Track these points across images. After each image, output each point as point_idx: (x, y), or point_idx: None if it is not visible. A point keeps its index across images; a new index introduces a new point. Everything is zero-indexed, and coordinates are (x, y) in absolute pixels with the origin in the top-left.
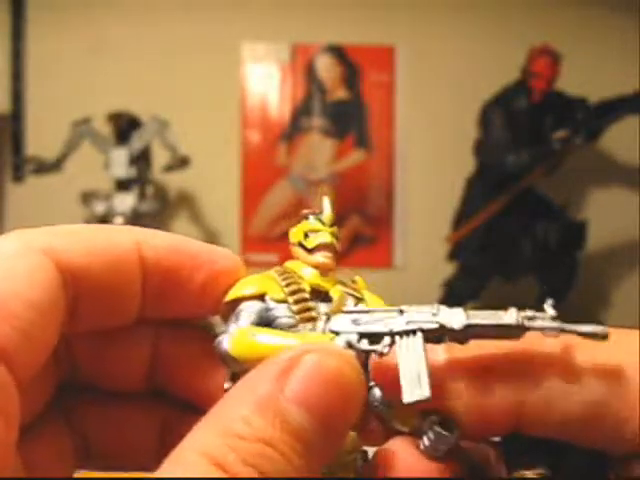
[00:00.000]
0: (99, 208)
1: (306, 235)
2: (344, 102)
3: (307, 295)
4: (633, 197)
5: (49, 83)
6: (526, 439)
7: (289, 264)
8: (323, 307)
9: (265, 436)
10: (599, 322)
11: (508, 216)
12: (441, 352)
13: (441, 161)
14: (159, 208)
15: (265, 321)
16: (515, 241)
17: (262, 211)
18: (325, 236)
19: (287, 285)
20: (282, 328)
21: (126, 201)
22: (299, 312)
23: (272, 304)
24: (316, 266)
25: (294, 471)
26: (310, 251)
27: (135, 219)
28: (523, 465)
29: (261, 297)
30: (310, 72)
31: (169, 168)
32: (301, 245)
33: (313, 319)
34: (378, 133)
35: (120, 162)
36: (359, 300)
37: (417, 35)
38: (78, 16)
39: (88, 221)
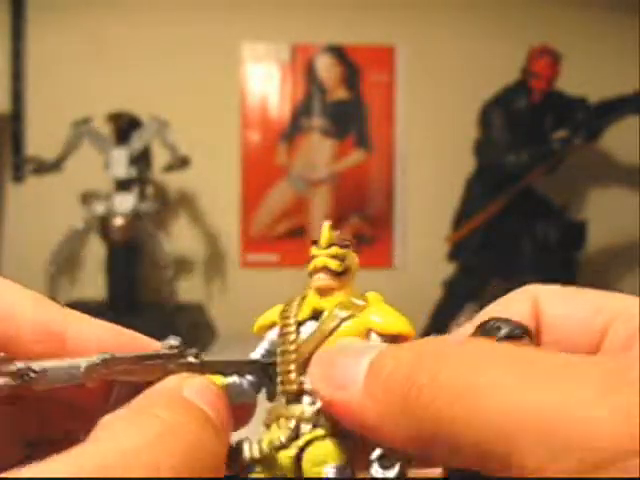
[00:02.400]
0: (99, 208)
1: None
2: (344, 102)
3: (292, 321)
4: (633, 197)
5: (49, 83)
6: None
7: (308, 291)
8: (310, 326)
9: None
10: None
11: (508, 216)
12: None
13: (441, 161)
14: (159, 208)
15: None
16: (515, 241)
17: (262, 211)
18: (318, 260)
19: (281, 314)
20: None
21: (126, 201)
22: (281, 336)
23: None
24: (314, 289)
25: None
26: (311, 276)
27: (135, 219)
28: None
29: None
30: (310, 72)
31: (169, 168)
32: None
33: (289, 343)
34: (378, 133)
35: (120, 162)
36: (346, 319)
37: (417, 35)
38: (78, 16)
39: (88, 221)
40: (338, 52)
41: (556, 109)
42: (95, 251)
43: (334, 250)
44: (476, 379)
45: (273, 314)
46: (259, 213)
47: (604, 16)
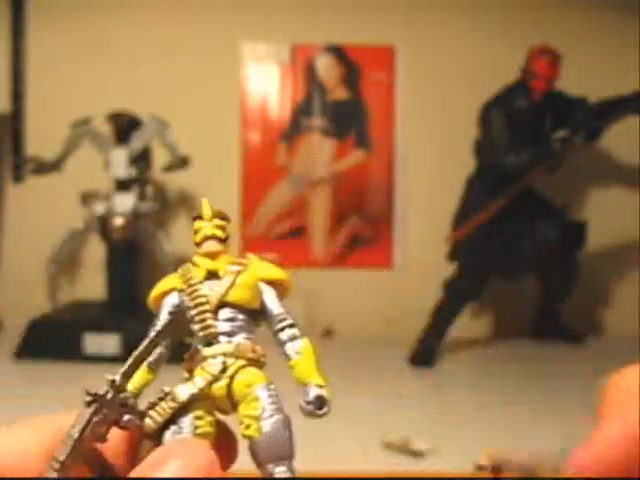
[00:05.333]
0: (99, 208)
1: (196, 233)
2: (344, 102)
3: (197, 280)
4: (633, 197)
5: (49, 83)
6: None
7: (195, 258)
8: (213, 285)
9: None
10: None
11: (508, 216)
12: None
13: (441, 161)
14: (159, 208)
15: (181, 310)
16: (515, 241)
17: (262, 211)
18: (206, 230)
19: (183, 276)
20: (189, 310)
21: (126, 201)
22: (190, 294)
23: (181, 295)
24: (205, 254)
25: None
26: (199, 245)
27: (135, 219)
28: None
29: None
30: (310, 72)
31: (169, 168)
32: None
33: (201, 297)
34: (378, 133)
35: (120, 162)
36: (240, 272)
37: (417, 35)
38: (78, 16)
39: (88, 221)
40: (338, 52)
41: (556, 109)
42: (95, 251)
43: (217, 222)
44: None
45: (167, 284)
46: (259, 213)
47: (604, 16)
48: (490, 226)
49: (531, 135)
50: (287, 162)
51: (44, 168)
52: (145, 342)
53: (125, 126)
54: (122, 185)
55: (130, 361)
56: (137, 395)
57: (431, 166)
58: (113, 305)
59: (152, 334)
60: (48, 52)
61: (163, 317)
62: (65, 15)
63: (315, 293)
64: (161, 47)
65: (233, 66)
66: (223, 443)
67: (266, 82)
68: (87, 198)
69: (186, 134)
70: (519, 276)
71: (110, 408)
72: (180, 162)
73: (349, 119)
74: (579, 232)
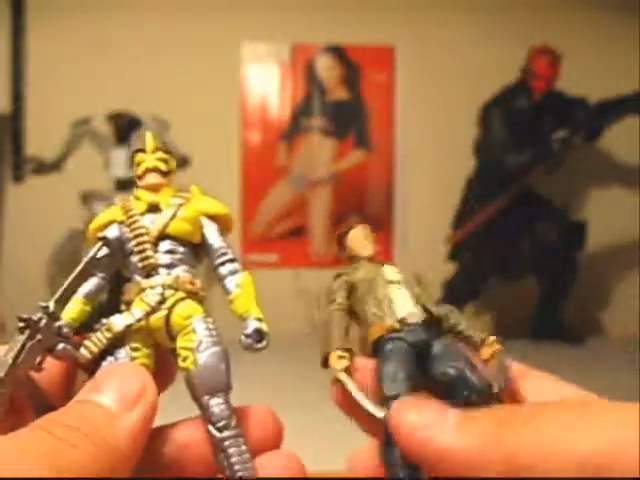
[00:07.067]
0: (99, 208)
1: (137, 166)
2: (344, 102)
3: (137, 212)
4: (633, 197)
5: (49, 83)
6: None
7: (136, 191)
8: (154, 218)
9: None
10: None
11: (508, 216)
12: None
13: (441, 161)
14: None
15: (120, 242)
16: (515, 241)
17: (262, 211)
18: (148, 162)
19: (123, 208)
20: (129, 242)
21: None
22: (129, 225)
23: (120, 227)
24: (146, 187)
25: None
26: (141, 177)
27: None
28: None
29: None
30: (310, 72)
31: None
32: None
33: (140, 227)
34: (378, 133)
35: (120, 162)
36: (181, 205)
37: (417, 35)
38: (78, 16)
39: (88, 221)
40: (338, 52)
41: (556, 109)
42: None
43: (160, 154)
44: (545, 437)
45: (107, 216)
46: (259, 213)
47: (604, 16)
48: (490, 226)
49: (531, 135)
50: (287, 162)
51: (44, 168)
52: (77, 269)
53: (125, 126)
54: (122, 185)
55: (63, 288)
56: (75, 327)
57: (431, 166)
58: (113, 305)
59: (85, 260)
60: (48, 52)
61: (98, 246)
62: (65, 15)
63: (315, 293)
64: (161, 47)
65: (233, 66)
66: (160, 368)
67: (266, 82)
68: (87, 198)
69: (186, 134)
70: (519, 276)
71: (44, 334)
72: (180, 162)
73: (349, 119)
74: (579, 232)
